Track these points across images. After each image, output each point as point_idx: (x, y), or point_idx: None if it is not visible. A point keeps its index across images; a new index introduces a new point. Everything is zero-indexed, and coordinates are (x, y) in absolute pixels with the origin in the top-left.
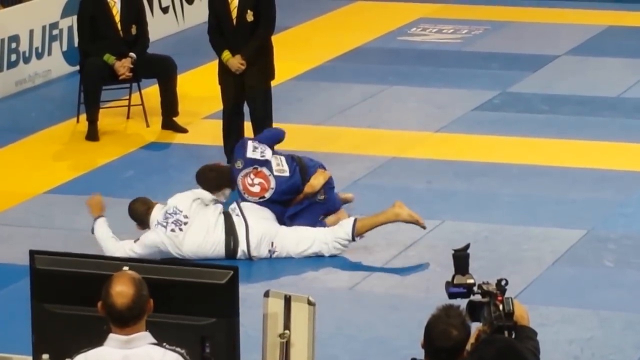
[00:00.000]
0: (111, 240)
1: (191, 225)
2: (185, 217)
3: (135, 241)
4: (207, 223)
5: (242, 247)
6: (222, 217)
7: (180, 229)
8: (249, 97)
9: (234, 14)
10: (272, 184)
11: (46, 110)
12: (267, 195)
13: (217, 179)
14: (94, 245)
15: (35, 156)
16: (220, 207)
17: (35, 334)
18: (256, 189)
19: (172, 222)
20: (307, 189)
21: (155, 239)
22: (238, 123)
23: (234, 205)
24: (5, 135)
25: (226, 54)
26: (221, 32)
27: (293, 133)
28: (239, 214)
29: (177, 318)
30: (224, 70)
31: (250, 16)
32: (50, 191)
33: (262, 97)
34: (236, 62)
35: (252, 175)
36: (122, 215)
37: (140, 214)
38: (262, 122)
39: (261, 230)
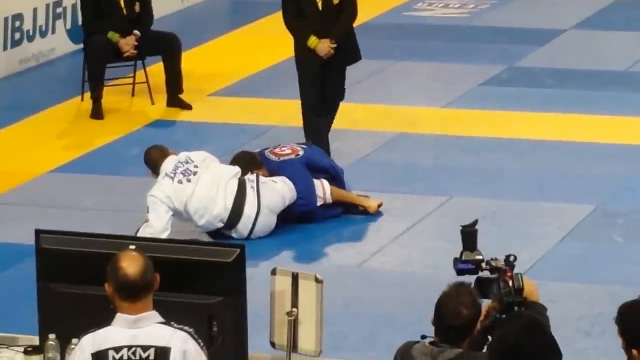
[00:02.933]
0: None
1: (201, 177)
2: (196, 167)
3: (145, 221)
4: (219, 177)
5: (244, 223)
6: (236, 180)
7: (189, 180)
8: (330, 78)
9: None
10: (301, 151)
11: (50, 89)
12: (301, 152)
13: (251, 160)
14: (99, 224)
15: (39, 135)
16: (238, 169)
17: (41, 313)
18: (287, 151)
19: (181, 172)
20: None
21: (159, 194)
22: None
23: (252, 176)
24: (10, 114)
25: (313, 40)
26: (301, 17)
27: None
28: (254, 186)
29: (183, 297)
30: (305, 61)
31: None
32: (55, 170)
33: (342, 80)
34: (326, 46)
35: (280, 147)
36: (128, 193)
37: (154, 160)
38: (336, 103)
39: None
